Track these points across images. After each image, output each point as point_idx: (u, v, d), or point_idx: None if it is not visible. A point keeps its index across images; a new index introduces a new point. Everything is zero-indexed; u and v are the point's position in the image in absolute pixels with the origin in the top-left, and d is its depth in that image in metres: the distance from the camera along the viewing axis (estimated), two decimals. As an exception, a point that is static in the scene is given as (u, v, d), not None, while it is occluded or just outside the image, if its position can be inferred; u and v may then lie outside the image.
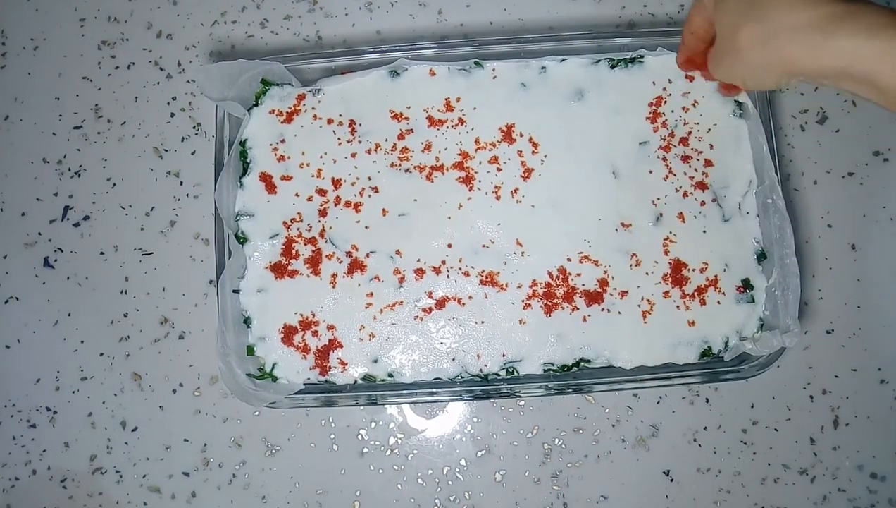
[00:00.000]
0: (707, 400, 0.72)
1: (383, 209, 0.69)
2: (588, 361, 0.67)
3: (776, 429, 0.71)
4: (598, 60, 0.70)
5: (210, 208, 0.73)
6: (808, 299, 0.73)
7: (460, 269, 0.68)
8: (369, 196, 0.69)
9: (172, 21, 0.79)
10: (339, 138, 0.70)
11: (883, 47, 0.42)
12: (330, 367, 0.67)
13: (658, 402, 0.72)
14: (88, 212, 0.76)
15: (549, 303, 0.67)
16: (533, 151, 0.69)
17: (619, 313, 0.67)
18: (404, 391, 0.66)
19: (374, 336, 0.68)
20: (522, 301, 0.67)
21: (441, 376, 0.67)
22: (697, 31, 0.57)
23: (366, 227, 0.69)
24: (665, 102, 0.69)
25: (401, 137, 0.70)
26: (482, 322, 0.67)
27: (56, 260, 0.76)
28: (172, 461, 0.73)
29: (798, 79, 0.47)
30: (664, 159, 0.69)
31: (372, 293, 0.68)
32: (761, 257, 0.67)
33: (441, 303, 0.67)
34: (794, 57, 0.45)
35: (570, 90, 0.70)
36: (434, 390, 0.66)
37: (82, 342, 0.74)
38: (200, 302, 0.74)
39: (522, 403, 0.72)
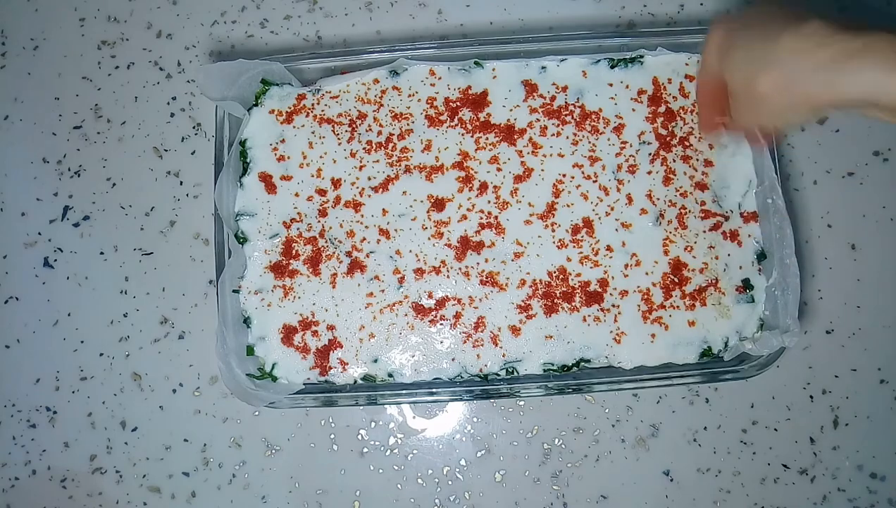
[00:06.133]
0: (707, 400, 0.72)
1: (383, 209, 0.69)
2: (588, 361, 0.67)
3: (776, 429, 0.71)
4: (598, 60, 0.70)
5: (210, 208, 0.73)
6: (808, 299, 0.73)
7: (460, 269, 0.68)
8: (369, 196, 0.69)
9: (172, 21, 0.79)
10: (339, 138, 0.70)
11: None
12: (330, 367, 0.67)
13: (658, 402, 0.72)
14: (88, 212, 0.76)
15: (549, 303, 0.67)
16: (533, 152, 0.69)
17: (620, 313, 0.67)
18: (404, 391, 0.66)
19: (373, 336, 0.68)
20: (522, 301, 0.67)
21: (441, 376, 0.67)
22: (709, 91, 0.57)
23: (366, 227, 0.69)
24: (665, 102, 0.69)
25: (401, 137, 0.70)
26: (482, 322, 0.67)
27: (56, 260, 0.76)
28: (172, 461, 0.73)
29: (824, 112, 0.47)
30: (664, 159, 0.69)
31: (372, 293, 0.68)
32: (761, 257, 0.67)
33: (441, 303, 0.67)
34: (819, 94, 0.46)
35: (570, 90, 0.70)
36: (434, 390, 0.66)
37: (82, 342, 0.74)
38: (200, 302, 0.74)
39: (522, 403, 0.72)
